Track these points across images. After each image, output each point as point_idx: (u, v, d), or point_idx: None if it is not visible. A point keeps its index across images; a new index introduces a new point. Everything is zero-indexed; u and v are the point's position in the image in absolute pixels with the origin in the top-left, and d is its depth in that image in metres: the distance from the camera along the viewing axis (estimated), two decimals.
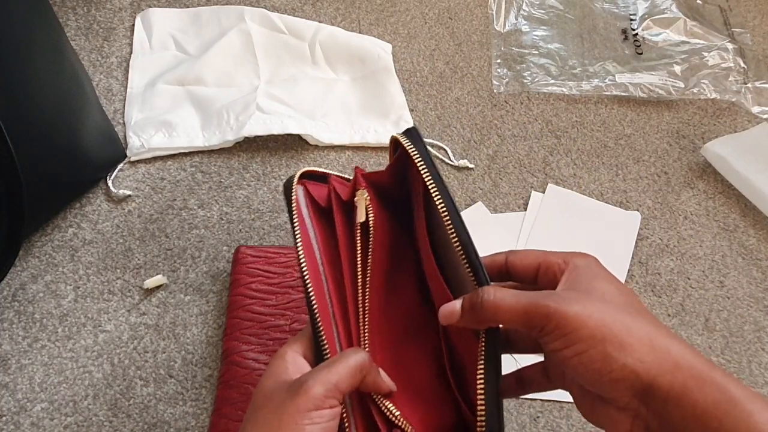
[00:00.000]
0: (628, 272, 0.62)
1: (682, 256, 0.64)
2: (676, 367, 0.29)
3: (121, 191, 0.63)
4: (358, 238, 0.38)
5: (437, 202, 0.36)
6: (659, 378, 0.29)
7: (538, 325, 0.31)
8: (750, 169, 0.67)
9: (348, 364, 0.33)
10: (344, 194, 0.42)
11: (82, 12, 0.76)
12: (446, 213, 0.35)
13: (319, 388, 0.32)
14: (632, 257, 0.63)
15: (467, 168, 0.69)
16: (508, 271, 0.37)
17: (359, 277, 0.38)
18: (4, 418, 0.51)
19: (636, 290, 0.62)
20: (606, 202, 0.67)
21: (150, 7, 0.77)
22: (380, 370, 0.35)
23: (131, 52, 0.73)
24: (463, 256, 0.34)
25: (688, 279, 0.63)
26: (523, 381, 0.39)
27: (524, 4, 0.82)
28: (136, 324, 0.56)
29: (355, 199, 0.40)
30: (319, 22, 0.77)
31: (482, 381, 0.32)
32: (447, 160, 0.69)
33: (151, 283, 0.58)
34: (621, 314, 0.30)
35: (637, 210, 0.67)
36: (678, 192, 0.69)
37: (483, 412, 0.32)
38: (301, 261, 0.37)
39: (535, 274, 0.36)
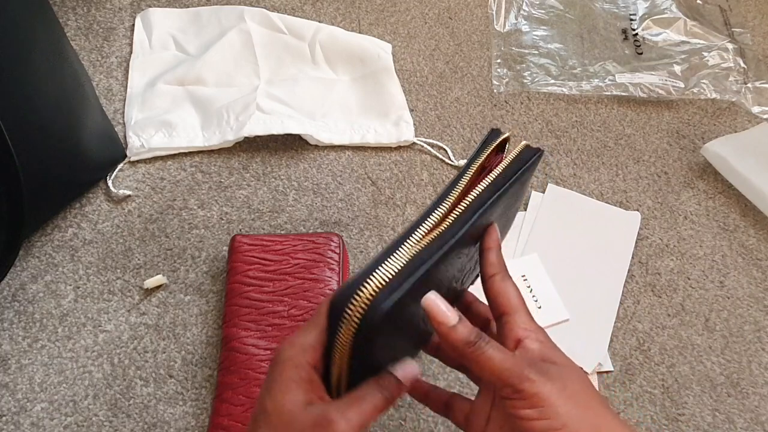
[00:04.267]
0: (628, 272, 0.62)
1: (682, 256, 0.64)
2: None
3: (121, 191, 0.63)
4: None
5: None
6: None
7: (515, 387, 0.32)
8: (750, 169, 0.67)
9: (375, 404, 0.33)
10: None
11: (82, 12, 0.76)
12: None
13: (347, 426, 0.31)
14: (632, 257, 0.63)
15: None
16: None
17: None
18: (4, 418, 0.51)
19: (636, 290, 0.62)
20: (606, 202, 0.67)
21: (150, 7, 0.77)
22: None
23: (131, 52, 0.73)
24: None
25: (688, 279, 0.63)
26: (449, 407, 0.40)
27: (524, 4, 0.82)
28: (136, 324, 0.56)
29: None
30: (319, 22, 0.77)
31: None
32: (447, 160, 0.69)
33: (151, 283, 0.58)
34: (594, 400, 0.32)
35: (637, 210, 0.67)
36: (678, 192, 0.69)
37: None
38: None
39: (497, 316, 0.36)
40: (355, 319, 0.31)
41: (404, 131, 0.69)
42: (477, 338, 0.32)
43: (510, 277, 0.37)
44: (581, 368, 0.34)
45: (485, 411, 0.37)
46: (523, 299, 0.36)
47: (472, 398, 0.39)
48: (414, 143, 0.70)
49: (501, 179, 0.37)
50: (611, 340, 0.58)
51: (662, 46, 0.79)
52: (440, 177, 0.68)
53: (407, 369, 0.35)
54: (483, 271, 0.37)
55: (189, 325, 0.57)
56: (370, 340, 0.32)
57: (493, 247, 0.37)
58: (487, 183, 0.37)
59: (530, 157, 0.39)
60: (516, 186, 0.38)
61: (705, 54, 0.77)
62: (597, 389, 0.34)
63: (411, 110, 0.72)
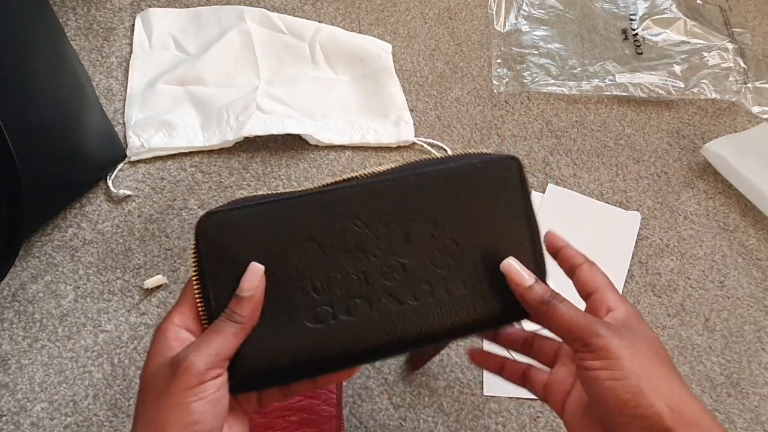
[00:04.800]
0: (628, 272, 0.62)
1: (682, 256, 0.64)
2: (696, 426, 0.31)
3: (121, 191, 0.63)
4: None
5: None
6: (678, 429, 0.30)
7: (585, 340, 0.33)
8: (750, 169, 0.67)
9: (225, 331, 0.33)
10: None
11: (82, 12, 0.76)
12: None
13: (200, 363, 0.32)
14: (632, 257, 0.63)
15: None
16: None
17: None
18: (4, 418, 0.51)
19: (636, 290, 0.62)
20: (606, 202, 0.67)
21: (150, 7, 0.77)
22: None
23: (131, 52, 0.73)
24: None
25: (688, 279, 0.63)
26: (527, 378, 0.41)
27: (524, 4, 0.82)
28: (136, 324, 0.56)
29: None
30: (319, 22, 0.77)
31: None
32: None
33: (151, 283, 0.58)
34: (660, 364, 0.33)
35: (637, 210, 0.67)
36: (678, 192, 0.69)
37: None
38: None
39: (588, 296, 0.37)
40: (195, 230, 0.34)
41: (404, 131, 0.69)
42: (551, 297, 0.35)
43: (596, 265, 0.38)
44: (658, 340, 0.35)
45: (564, 380, 0.38)
46: (611, 282, 0.37)
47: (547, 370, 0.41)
48: (414, 143, 0.70)
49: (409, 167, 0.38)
50: None
51: (662, 46, 0.79)
52: None
53: (246, 277, 0.34)
54: (568, 264, 0.39)
55: None
56: (210, 254, 0.34)
57: (565, 245, 0.39)
58: (391, 167, 0.37)
59: (486, 159, 0.38)
60: (443, 181, 0.37)
61: (705, 54, 0.77)
62: (669, 358, 0.35)
63: (411, 110, 0.72)
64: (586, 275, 0.37)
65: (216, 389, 0.32)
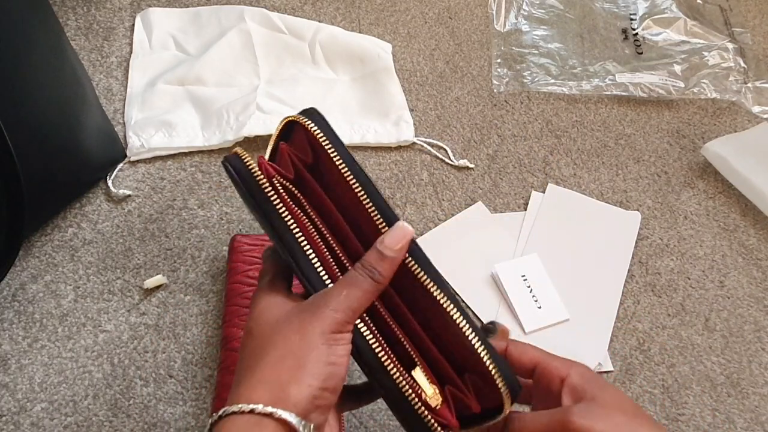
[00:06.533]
0: (628, 272, 0.62)
1: (682, 256, 0.64)
2: None
3: (121, 191, 0.63)
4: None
5: (331, 155, 0.36)
6: None
7: None
8: (750, 168, 0.67)
9: (362, 287, 0.32)
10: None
11: (82, 12, 0.76)
12: (341, 163, 0.36)
13: (340, 315, 0.31)
14: (632, 257, 0.63)
15: (467, 168, 0.69)
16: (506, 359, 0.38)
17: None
18: (4, 418, 0.51)
19: (636, 290, 0.62)
20: (606, 202, 0.67)
21: (150, 6, 0.77)
22: None
23: (131, 52, 0.73)
24: (365, 197, 0.35)
25: (688, 279, 0.63)
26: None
27: (524, 3, 0.82)
28: (136, 324, 0.56)
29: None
30: (319, 22, 0.77)
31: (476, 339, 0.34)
32: (447, 160, 0.69)
33: (151, 283, 0.58)
34: (639, 421, 0.32)
35: (637, 210, 0.67)
36: (678, 192, 0.69)
37: (490, 362, 0.33)
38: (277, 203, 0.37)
39: (531, 372, 0.36)
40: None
41: (404, 131, 0.69)
42: (503, 424, 0.34)
43: (519, 340, 0.37)
44: (618, 391, 0.35)
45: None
46: (544, 350, 0.37)
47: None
48: (414, 143, 0.70)
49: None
50: (611, 340, 0.58)
51: (662, 45, 0.79)
52: (440, 177, 0.68)
53: (394, 234, 0.33)
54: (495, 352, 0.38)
55: (189, 325, 0.57)
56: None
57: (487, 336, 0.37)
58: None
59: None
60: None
61: (705, 54, 0.77)
62: (637, 407, 0.35)
63: (411, 110, 0.72)
64: (519, 349, 0.36)
65: (349, 342, 0.32)
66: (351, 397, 0.39)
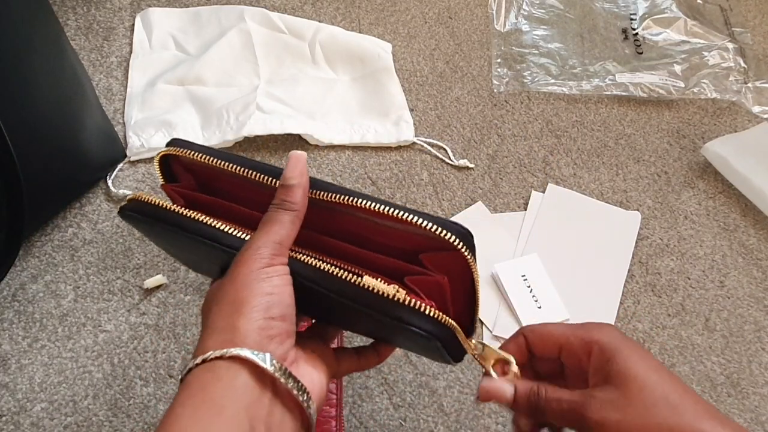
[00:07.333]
0: (628, 272, 0.62)
1: (682, 256, 0.64)
2: None
3: (121, 191, 0.63)
4: None
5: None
6: None
7: (576, 427, 0.33)
8: (750, 168, 0.67)
9: (279, 220, 0.34)
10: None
11: (82, 12, 0.76)
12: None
13: (265, 250, 0.32)
14: (632, 257, 0.63)
15: (467, 168, 0.69)
16: (530, 350, 0.38)
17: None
18: (4, 418, 0.51)
19: (636, 290, 0.62)
20: (606, 202, 0.67)
21: (150, 6, 0.77)
22: None
23: (131, 52, 0.73)
24: (245, 170, 0.37)
25: (689, 279, 0.63)
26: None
27: (524, 3, 0.82)
28: (136, 324, 0.56)
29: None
30: (319, 22, 0.77)
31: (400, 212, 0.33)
32: (447, 160, 0.69)
33: (151, 283, 0.58)
34: (663, 415, 0.31)
35: (637, 210, 0.67)
36: (678, 192, 0.69)
37: (422, 220, 0.33)
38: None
39: (558, 355, 0.36)
40: None
41: (404, 131, 0.69)
42: (533, 394, 0.35)
43: (532, 326, 0.38)
44: (648, 352, 0.34)
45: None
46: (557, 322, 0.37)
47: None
48: (414, 143, 0.70)
49: None
50: None
51: (662, 45, 0.79)
52: (440, 177, 0.68)
53: (289, 165, 0.35)
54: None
55: (189, 325, 0.57)
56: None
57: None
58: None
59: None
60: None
61: (705, 54, 0.77)
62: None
63: (411, 110, 0.72)
64: (537, 334, 0.37)
65: (284, 272, 0.33)
66: (349, 358, 0.39)
